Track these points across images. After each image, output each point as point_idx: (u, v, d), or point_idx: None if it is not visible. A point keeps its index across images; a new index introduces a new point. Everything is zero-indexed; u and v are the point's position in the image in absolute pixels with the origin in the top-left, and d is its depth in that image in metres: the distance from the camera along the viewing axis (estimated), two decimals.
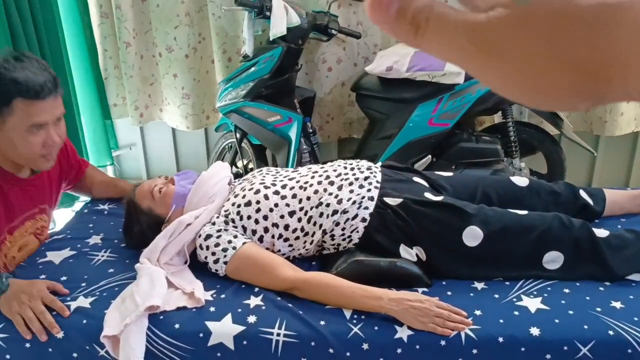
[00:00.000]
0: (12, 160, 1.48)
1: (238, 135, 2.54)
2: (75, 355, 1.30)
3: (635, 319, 1.23)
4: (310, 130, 2.55)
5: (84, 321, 1.30)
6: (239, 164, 2.66)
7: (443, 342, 1.22)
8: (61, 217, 1.80)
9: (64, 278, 1.47)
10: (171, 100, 2.93)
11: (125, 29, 2.79)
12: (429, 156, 2.38)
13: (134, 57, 2.85)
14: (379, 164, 1.67)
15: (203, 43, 2.82)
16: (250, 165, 2.65)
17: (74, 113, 2.66)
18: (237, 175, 1.94)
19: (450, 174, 1.72)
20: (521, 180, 1.65)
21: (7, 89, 1.34)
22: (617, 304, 1.28)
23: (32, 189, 1.58)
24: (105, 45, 2.88)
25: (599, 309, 1.27)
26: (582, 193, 1.64)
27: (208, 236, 1.45)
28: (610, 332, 1.20)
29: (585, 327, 1.22)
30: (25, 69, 1.36)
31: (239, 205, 1.50)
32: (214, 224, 1.48)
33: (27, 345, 1.30)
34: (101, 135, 2.98)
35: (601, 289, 1.35)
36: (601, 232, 1.42)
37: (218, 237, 1.44)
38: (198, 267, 1.46)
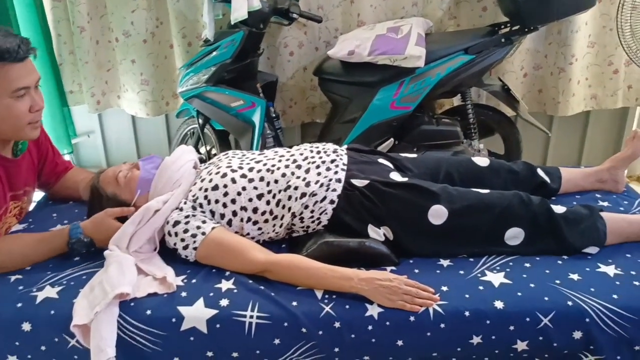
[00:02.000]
0: (2, 136, 1.47)
1: (200, 121, 2.51)
2: (43, 348, 1.29)
3: (592, 289, 1.30)
4: (274, 115, 2.55)
5: (52, 312, 1.28)
6: (202, 150, 2.64)
7: (412, 318, 1.26)
8: None
9: (28, 267, 1.44)
10: (129, 86, 2.86)
11: (79, 12, 2.70)
12: (392, 139, 2.42)
13: (89, 42, 2.77)
14: (345, 146, 1.69)
15: (161, 27, 2.76)
16: (214, 151, 2.64)
17: None
18: (201, 161, 1.92)
19: (414, 155, 1.76)
20: (482, 161, 1.70)
21: None
22: (575, 276, 1.35)
23: (17, 169, 1.57)
24: (58, 29, 2.78)
25: (558, 281, 1.33)
26: (540, 171, 1.71)
27: (176, 222, 1.44)
28: (569, 303, 1.27)
29: (546, 298, 1.28)
30: None
31: (206, 190, 1.50)
32: (181, 209, 1.48)
33: None
34: (59, 123, 2.89)
35: (559, 262, 1.42)
36: (558, 208, 1.48)
37: (186, 223, 1.44)
38: (167, 253, 1.45)
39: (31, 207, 1.78)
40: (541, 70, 2.71)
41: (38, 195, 1.81)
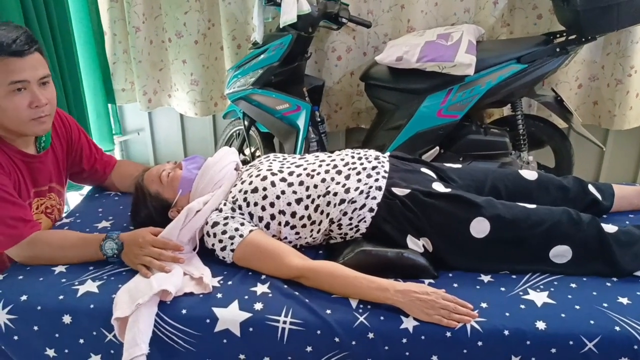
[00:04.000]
0: (12, 131, 1.49)
1: (246, 123, 2.54)
2: (81, 341, 1.32)
3: None
4: (319, 119, 2.55)
5: (92, 305, 1.31)
6: (247, 151, 2.66)
7: (448, 334, 1.22)
8: (70, 201, 1.79)
9: (65, 266, 1.46)
10: (180, 86, 2.92)
11: (135, 13, 2.78)
12: (437, 148, 2.37)
13: (143, 42, 2.85)
14: (387, 154, 1.66)
15: (212, 29, 2.81)
16: (258, 153, 2.66)
17: (82, 98, 2.67)
18: (245, 163, 1.93)
19: (458, 165, 1.72)
20: (530, 174, 1.64)
21: None
22: (624, 300, 1.28)
23: (39, 166, 1.59)
24: (114, 29, 2.87)
25: (605, 305, 1.27)
26: (591, 188, 1.64)
27: (215, 223, 1.45)
28: (617, 328, 1.20)
29: (592, 322, 1.22)
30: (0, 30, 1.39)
31: (245, 192, 1.50)
32: (220, 210, 1.49)
33: (35, 328, 1.32)
34: (104, 120, 2.97)
35: (608, 284, 1.35)
36: (610, 228, 1.41)
37: (225, 224, 1.44)
38: (205, 254, 1.47)
39: (78, 201, 1.83)
40: (597, 81, 2.61)
41: (85, 189, 1.85)
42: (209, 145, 3.20)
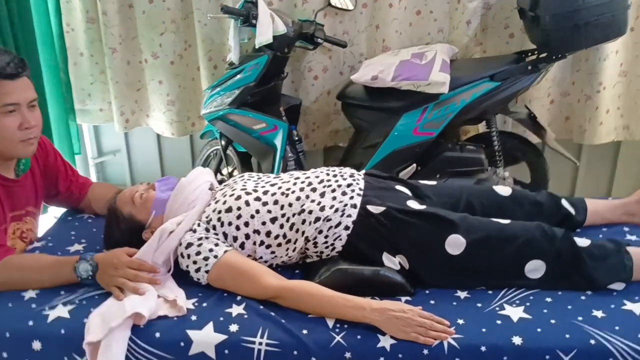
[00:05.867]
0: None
1: (223, 143, 2.53)
2: None
3: (617, 328, 1.24)
4: (296, 138, 2.55)
5: (62, 331, 1.28)
6: (224, 171, 2.65)
7: (426, 351, 1.22)
8: (42, 224, 1.77)
9: (37, 290, 1.43)
10: (156, 106, 2.91)
11: (112, 34, 2.77)
12: (414, 165, 2.39)
13: (120, 62, 2.83)
14: (362, 171, 1.67)
15: (189, 50, 2.81)
16: (236, 173, 2.64)
17: (47, 118, 2.65)
18: (222, 182, 1.92)
19: (433, 182, 1.73)
20: (504, 190, 1.66)
21: None
22: (599, 313, 1.29)
23: (18, 190, 1.58)
24: (91, 50, 2.86)
25: (580, 318, 1.28)
26: (565, 203, 1.66)
27: (189, 244, 1.44)
28: (592, 342, 1.21)
29: (567, 336, 1.23)
30: None
31: (219, 212, 1.49)
32: (194, 231, 1.47)
33: (4, 354, 1.29)
34: (65, 141, 2.93)
35: (583, 298, 1.36)
36: (583, 242, 1.43)
37: (199, 245, 1.43)
38: (179, 275, 1.45)
39: (50, 224, 1.80)
40: (568, 97, 2.66)
41: (58, 211, 1.83)
42: (186, 165, 3.18)
